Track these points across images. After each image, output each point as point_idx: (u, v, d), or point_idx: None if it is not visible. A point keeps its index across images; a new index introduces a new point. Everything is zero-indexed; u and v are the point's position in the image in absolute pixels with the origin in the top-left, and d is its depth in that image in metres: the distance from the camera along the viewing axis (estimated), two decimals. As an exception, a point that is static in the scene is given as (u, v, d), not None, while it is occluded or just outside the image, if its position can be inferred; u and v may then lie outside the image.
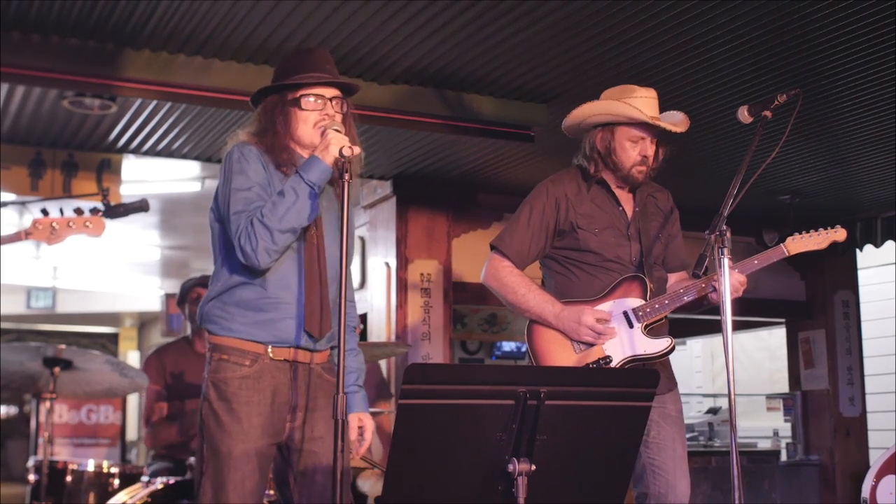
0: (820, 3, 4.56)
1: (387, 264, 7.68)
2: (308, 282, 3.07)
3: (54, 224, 3.81)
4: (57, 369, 4.86)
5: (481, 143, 6.55)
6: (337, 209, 3.18)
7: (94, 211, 3.86)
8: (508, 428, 2.56)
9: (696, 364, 12.79)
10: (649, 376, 2.83)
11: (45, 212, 3.82)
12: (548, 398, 2.55)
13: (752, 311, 9.03)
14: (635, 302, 3.59)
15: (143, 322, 16.89)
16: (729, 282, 3.39)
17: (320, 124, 3.12)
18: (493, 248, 3.74)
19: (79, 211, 3.84)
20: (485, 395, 2.54)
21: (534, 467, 2.57)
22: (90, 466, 5.02)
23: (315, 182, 2.99)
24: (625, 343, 3.55)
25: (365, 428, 3.21)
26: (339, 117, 3.15)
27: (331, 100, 3.16)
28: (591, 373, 3.21)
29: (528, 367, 3.51)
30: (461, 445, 2.55)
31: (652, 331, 3.59)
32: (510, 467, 2.56)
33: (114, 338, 17.72)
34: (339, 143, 2.98)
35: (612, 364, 3.51)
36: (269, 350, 3.04)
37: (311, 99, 3.14)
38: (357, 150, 3.02)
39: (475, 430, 2.55)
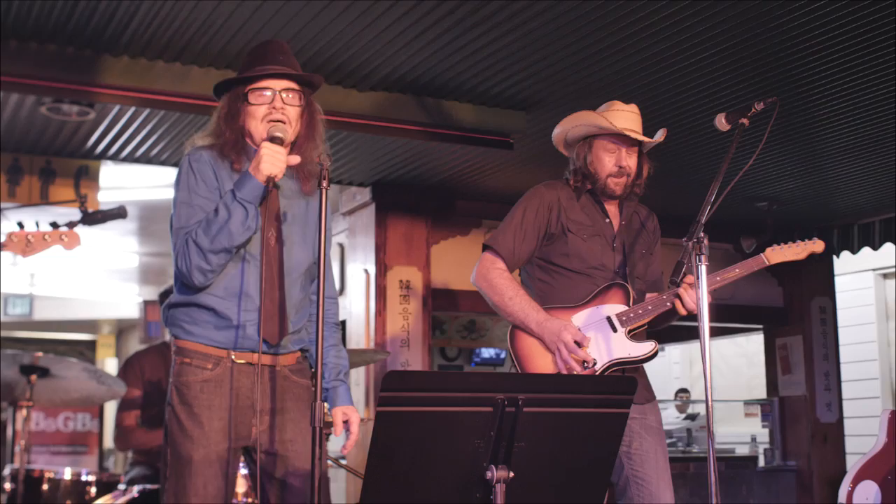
0: (797, 12, 4.59)
1: (366, 271, 7.67)
2: (263, 286, 3.01)
3: (30, 237, 3.79)
4: (34, 377, 4.84)
5: (460, 151, 6.56)
6: (304, 210, 3.14)
7: (70, 224, 3.84)
8: (486, 435, 2.55)
9: (674, 370, 12.82)
10: (626, 383, 2.83)
11: (20, 224, 3.81)
12: (526, 405, 2.56)
13: (730, 317, 9.07)
14: (618, 308, 3.62)
15: (122, 329, 16.80)
16: (696, 294, 3.43)
17: (268, 118, 3.04)
18: (485, 247, 3.75)
19: (55, 224, 3.83)
20: (463, 402, 2.54)
21: (512, 474, 2.57)
22: (67, 474, 4.98)
23: (248, 200, 2.93)
24: (609, 346, 3.56)
25: (351, 421, 3.14)
26: (290, 110, 3.06)
27: (281, 92, 3.06)
28: (569, 380, 3.22)
29: (506, 374, 3.49)
30: (439, 452, 2.55)
31: (634, 336, 3.62)
32: (488, 474, 2.56)
33: (91, 345, 17.59)
34: (270, 159, 2.92)
35: (597, 367, 3.52)
36: (232, 354, 3.02)
37: (263, 92, 3.05)
38: (296, 159, 2.98)
39: (453, 437, 2.54)
